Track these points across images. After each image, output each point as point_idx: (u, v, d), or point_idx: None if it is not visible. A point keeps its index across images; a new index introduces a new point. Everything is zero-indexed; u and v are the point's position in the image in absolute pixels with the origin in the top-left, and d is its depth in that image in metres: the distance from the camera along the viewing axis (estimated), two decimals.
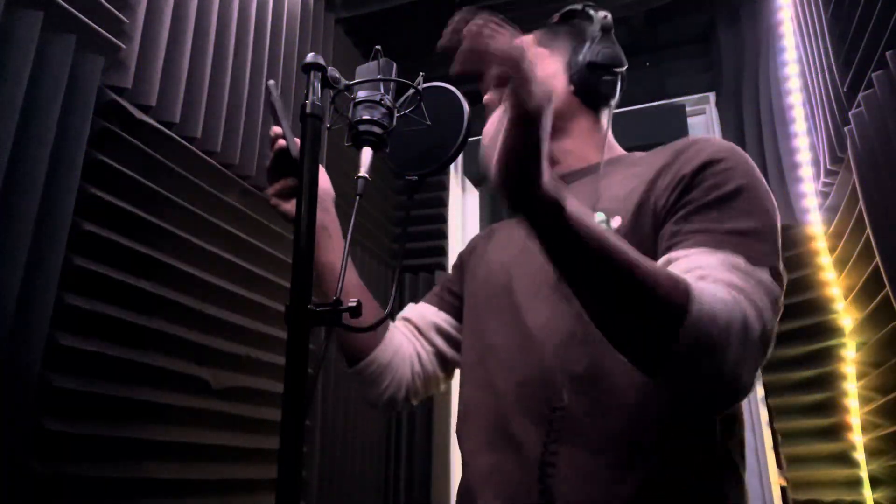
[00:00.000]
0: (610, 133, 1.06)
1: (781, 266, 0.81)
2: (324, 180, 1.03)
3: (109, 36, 1.11)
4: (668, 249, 0.78)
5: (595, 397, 0.79)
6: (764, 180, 0.86)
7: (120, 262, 1.10)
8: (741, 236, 0.77)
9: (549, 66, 1.05)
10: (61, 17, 1.03)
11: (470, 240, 1.16)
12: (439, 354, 1.07)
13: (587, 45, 1.03)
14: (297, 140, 0.92)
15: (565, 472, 0.77)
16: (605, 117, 1.06)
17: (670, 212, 0.82)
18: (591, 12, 1.06)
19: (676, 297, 0.63)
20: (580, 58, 1.02)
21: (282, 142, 0.91)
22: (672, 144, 0.94)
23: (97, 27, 1.08)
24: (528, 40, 1.10)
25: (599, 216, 0.89)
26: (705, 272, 0.71)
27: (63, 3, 1.02)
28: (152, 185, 1.17)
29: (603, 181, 0.96)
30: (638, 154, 1.04)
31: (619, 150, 1.07)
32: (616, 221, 0.88)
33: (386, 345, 1.01)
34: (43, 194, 0.95)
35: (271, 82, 0.91)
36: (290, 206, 0.95)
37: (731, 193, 0.80)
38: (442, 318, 1.09)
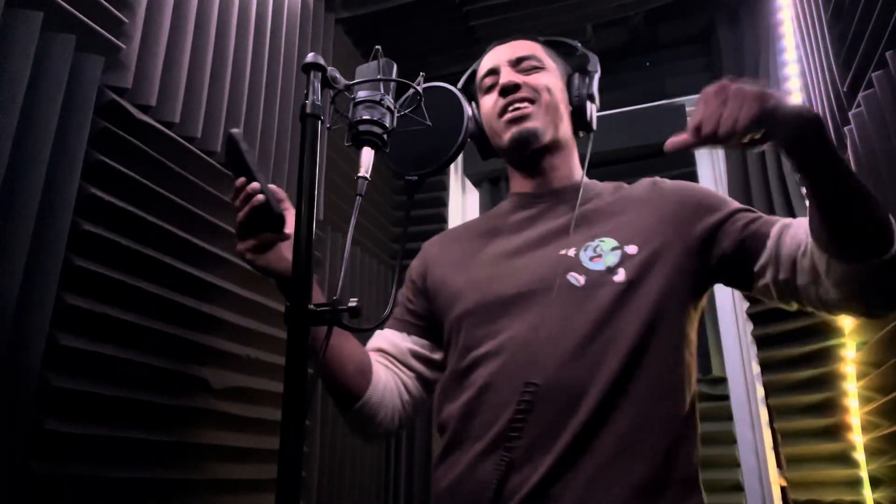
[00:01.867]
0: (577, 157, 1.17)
1: None
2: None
3: (109, 36, 1.11)
4: (763, 229, 0.95)
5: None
6: None
7: (120, 262, 1.10)
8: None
9: (557, 81, 1.12)
10: (61, 17, 1.03)
11: (414, 263, 1.16)
12: (421, 378, 1.10)
13: (587, 77, 1.16)
14: (277, 191, 0.93)
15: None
16: (587, 142, 1.16)
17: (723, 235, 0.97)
18: (584, 51, 1.19)
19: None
20: (582, 87, 1.14)
21: (260, 197, 0.88)
22: (672, 188, 1.07)
23: (97, 27, 1.08)
24: (537, 47, 1.14)
25: (610, 242, 0.98)
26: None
27: (63, 3, 1.02)
28: (152, 185, 1.17)
29: (606, 206, 1.06)
30: (597, 182, 1.15)
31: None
32: (632, 248, 0.97)
33: (375, 382, 1.02)
34: (43, 194, 0.95)
35: (235, 131, 0.90)
36: (267, 260, 0.93)
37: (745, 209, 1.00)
38: (415, 343, 1.11)
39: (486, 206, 2.51)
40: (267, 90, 1.58)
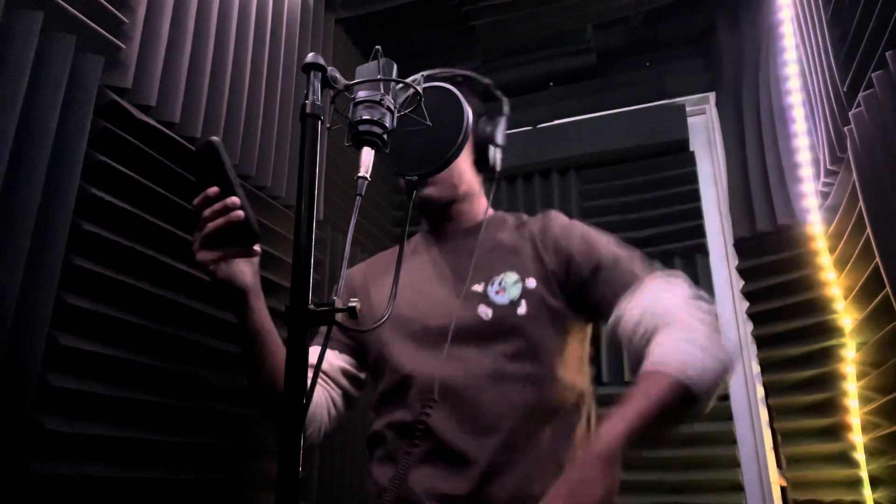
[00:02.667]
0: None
1: None
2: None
3: (109, 36, 1.11)
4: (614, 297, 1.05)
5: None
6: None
7: (120, 262, 1.10)
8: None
9: None
10: (61, 17, 1.03)
11: (349, 283, 1.26)
12: (347, 396, 1.19)
13: (493, 121, 1.21)
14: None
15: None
16: (491, 183, 1.24)
17: (583, 284, 1.09)
18: (495, 93, 1.25)
19: (681, 390, 0.86)
20: (485, 131, 1.19)
21: (240, 213, 0.89)
22: (558, 232, 1.16)
23: (97, 27, 1.08)
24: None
25: (512, 276, 1.09)
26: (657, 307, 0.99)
27: (63, 3, 1.02)
28: (152, 185, 1.17)
29: (509, 241, 1.16)
30: (505, 215, 1.25)
31: (481, 206, 1.26)
32: (531, 282, 1.09)
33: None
34: (43, 194, 0.94)
35: (216, 139, 0.90)
36: (229, 273, 0.96)
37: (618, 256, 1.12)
38: (345, 361, 1.19)
39: None
40: (267, 90, 1.58)
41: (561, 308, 1.08)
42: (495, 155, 1.19)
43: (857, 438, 1.60)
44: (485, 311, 1.07)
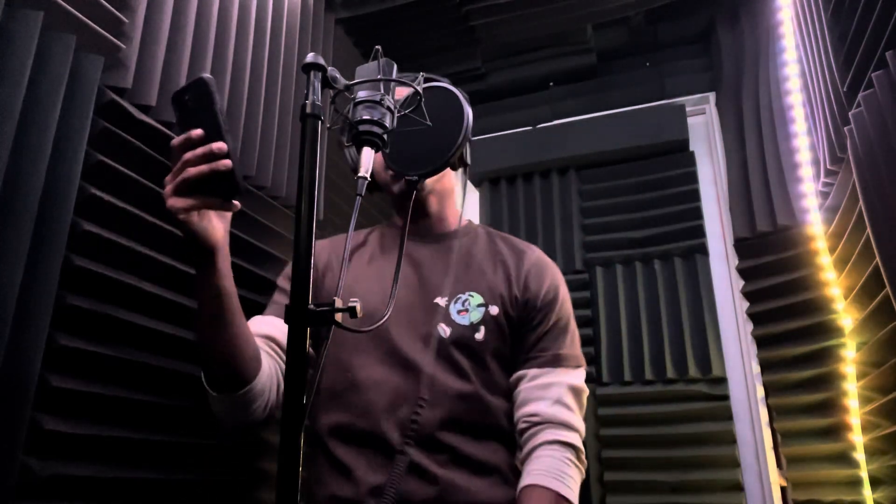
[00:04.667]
0: (459, 194, 1.23)
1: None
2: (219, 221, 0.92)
3: (109, 36, 1.11)
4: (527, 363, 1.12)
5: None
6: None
7: (120, 262, 1.10)
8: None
9: None
10: (61, 17, 1.03)
11: (316, 254, 1.20)
12: None
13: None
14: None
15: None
16: (461, 180, 1.21)
17: (524, 327, 1.13)
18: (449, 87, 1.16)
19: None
20: None
21: (227, 162, 0.80)
22: (533, 272, 1.17)
23: (97, 27, 1.08)
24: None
25: (477, 299, 1.10)
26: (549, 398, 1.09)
27: (63, 3, 1.02)
28: (152, 185, 1.17)
29: (481, 258, 1.17)
30: (479, 230, 1.25)
31: (454, 215, 1.25)
32: (494, 309, 1.10)
33: (264, 368, 1.03)
34: (43, 194, 0.94)
35: (208, 76, 0.81)
36: (204, 226, 0.86)
37: (565, 327, 1.16)
38: None
39: (486, 205, 2.51)
40: (267, 90, 1.58)
41: (507, 343, 1.12)
42: (466, 148, 1.15)
43: (857, 438, 1.60)
44: (443, 329, 1.08)
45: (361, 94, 0.78)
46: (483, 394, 1.07)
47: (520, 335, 1.13)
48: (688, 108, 2.30)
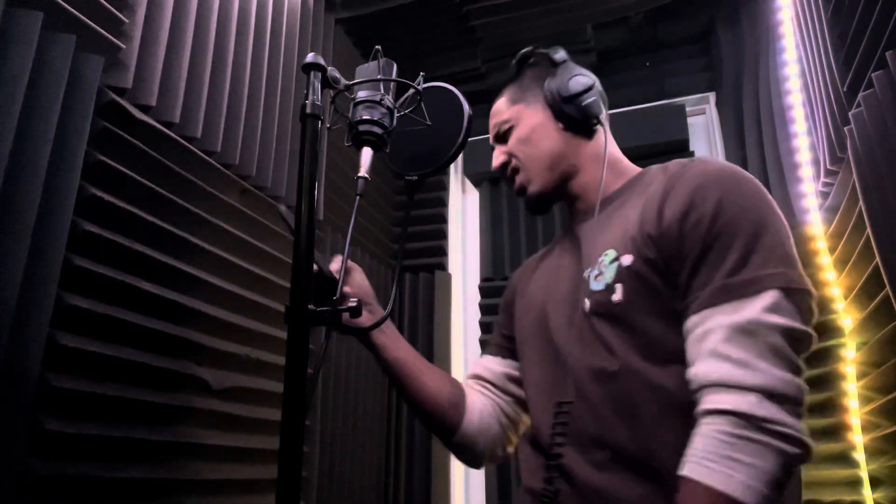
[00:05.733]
0: (617, 151, 1.07)
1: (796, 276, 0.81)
2: (361, 278, 0.98)
3: (109, 36, 1.11)
4: (689, 308, 0.82)
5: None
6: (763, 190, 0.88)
7: (120, 262, 1.10)
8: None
9: (532, 118, 1.05)
10: (61, 17, 1.03)
11: (506, 289, 1.19)
12: (518, 400, 1.11)
13: (554, 81, 1.04)
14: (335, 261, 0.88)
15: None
16: (603, 136, 1.04)
17: (675, 264, 0.85)
18: (542, 51, 1.09)
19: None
20: (554, 95, 1.03)
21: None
22: (669, 167, 0.94)
23: (97, 27, 1.08)
24: (502, 104, 1.09)
25: (610, 254, 0.90)
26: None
27: (63, 3, 1.02)
28: (152, 185, 1.17)
29: (619, 211, 0.97)
30: (652, 171, 1.01)
31: (632, 169, 1.06)
32: (627, 259, 0.87)
33: (471, 412, 1.05)
34: (43, 194, 0.94)
35: (283, 209, 0.85)
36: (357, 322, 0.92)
37: (729, 244, 0.82)
38: (509, 366, 1.12)
39: (486, 205, 2.51)
40: (267, 90, 1.58)
41: (659, 294, 0.85)
42: (583, 106, 1.00)
43: (857, 438, 1.60)
44: (585, 304, 0.89)
45: (361, 94, 0.78)
46: (640, 368, 0.83)
47: (676, 277, 0.84)
48: (688, 108, 2.30)
